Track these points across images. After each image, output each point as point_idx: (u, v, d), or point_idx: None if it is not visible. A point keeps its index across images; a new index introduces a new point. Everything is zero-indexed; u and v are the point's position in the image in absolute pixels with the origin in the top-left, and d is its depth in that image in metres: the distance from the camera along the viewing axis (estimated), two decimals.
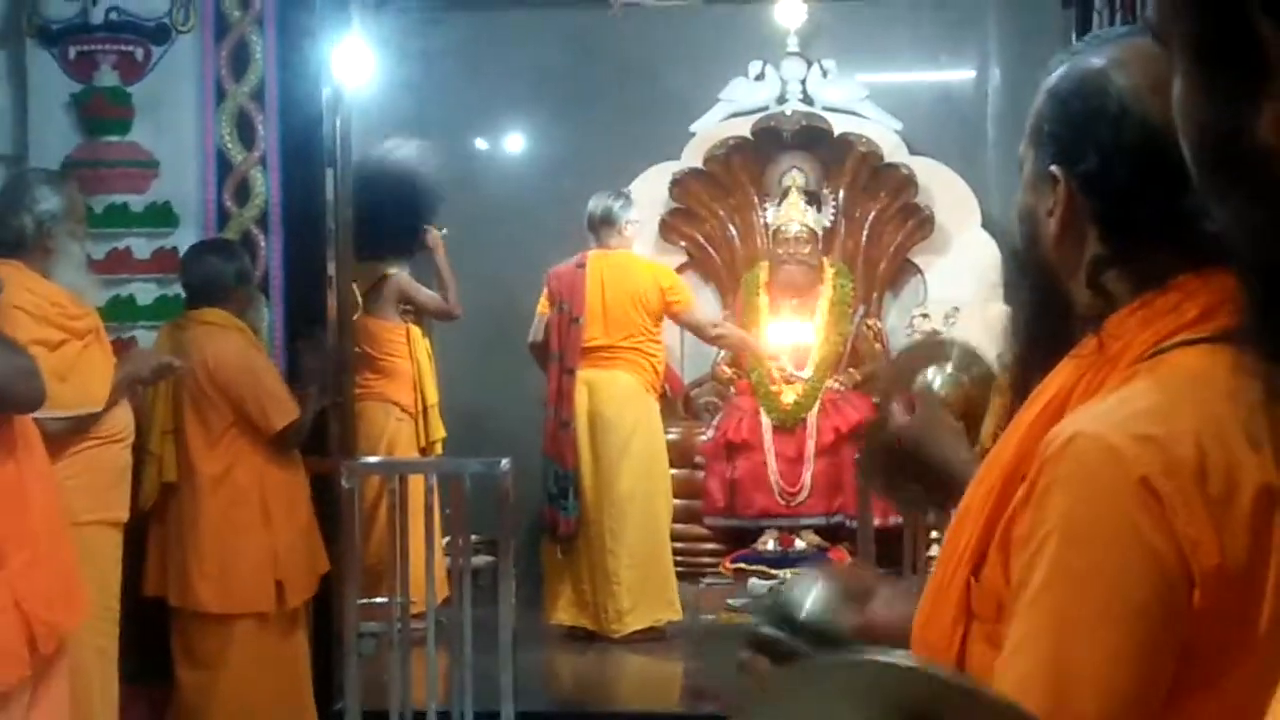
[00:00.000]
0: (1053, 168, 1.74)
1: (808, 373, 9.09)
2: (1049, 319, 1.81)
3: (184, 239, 6.61)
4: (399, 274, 8.74)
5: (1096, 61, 1.75)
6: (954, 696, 0.98)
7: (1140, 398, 1.59)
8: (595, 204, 8.38)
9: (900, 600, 1.90)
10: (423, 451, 8.63)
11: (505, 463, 6.43)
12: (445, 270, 8.73)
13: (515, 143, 11.01)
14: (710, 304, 9.74)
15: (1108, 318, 1.70)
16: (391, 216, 8.46)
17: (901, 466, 2.48)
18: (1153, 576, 1.51)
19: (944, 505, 2.50)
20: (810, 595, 1.84)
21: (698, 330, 8.76)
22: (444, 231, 8.90)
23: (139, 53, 6.71)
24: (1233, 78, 0.88)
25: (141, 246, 6.69)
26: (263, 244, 6.67)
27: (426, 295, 8.77)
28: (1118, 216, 1.70)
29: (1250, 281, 0.93)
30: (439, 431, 8.82)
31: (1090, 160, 1.71)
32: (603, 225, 8.34)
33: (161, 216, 6.69)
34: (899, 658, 1.04)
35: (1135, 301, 1.69)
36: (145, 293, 6.68)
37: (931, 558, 6.85)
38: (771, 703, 1.08)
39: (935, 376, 2.60)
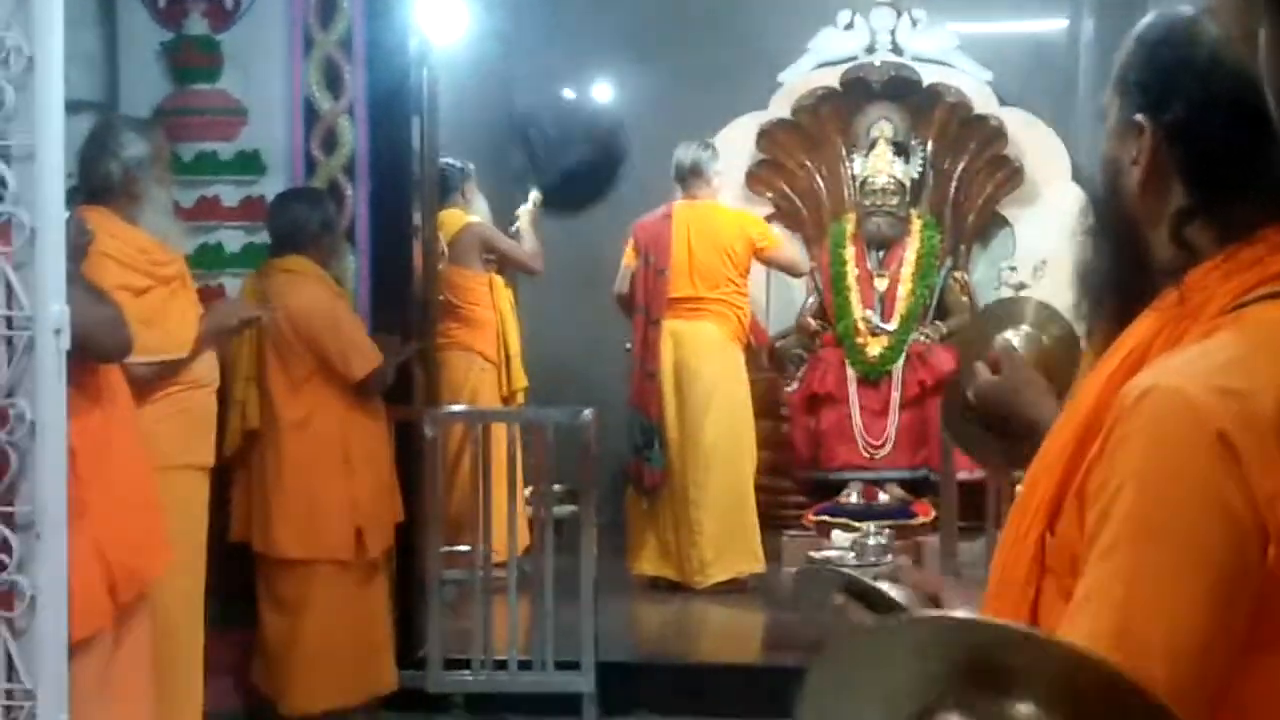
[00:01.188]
0: (1138, 116, 1.70)
1: (893, 325, 9.03)
2: (1129, 270, 1.78)
3: (271, 187, 6.63)
4: (481, 222, 8.76)
5: (1186, 10, 1.71)
6: (1010, 642, 0.97)
7: (1220, 351, 1.56)
8: (682, 154, 8.37)
9: (969, 600, 1.87)
10: (505, 401, 8.66)
11: (588, 413, 6.45)
12: (530, 228, 8.76)
13: (602, 93, 10.97)
14: (796, 255, 9.70)
15: (1189, 270, 1.66)
16: (588, 163, 8.50)
17: (987, 425, 2.46)
18: (1227, 532, 1.48)
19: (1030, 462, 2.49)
20: (891, 586, 1.82)
21: (790, 266, 8.78)
22: (536, 197, 8.90)
23: (228, 1, 6.73)
24: None
25: (230, 194, 6.72)
26: (349, 193, 6.68)
27: (509, 245, 8.78)
28: (1204, 168, 1.67)
29: None
30: (521, 381, 8.85)
31: (1177, 110, 1.67)
32: (690, 176, 8.33)
33: (250, 164, 6.71)
34: (954, 613, 1.03)
35: (1219, 254, 1.65)
36: (233, 240, 6.71)
37: None
38: (836, 660, 1.07)
39: (1014, 336, 2.57)
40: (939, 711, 0.98)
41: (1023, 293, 8.76)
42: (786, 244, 8.60)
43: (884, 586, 1.81)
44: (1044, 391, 2.42)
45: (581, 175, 8.28)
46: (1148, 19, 1.76)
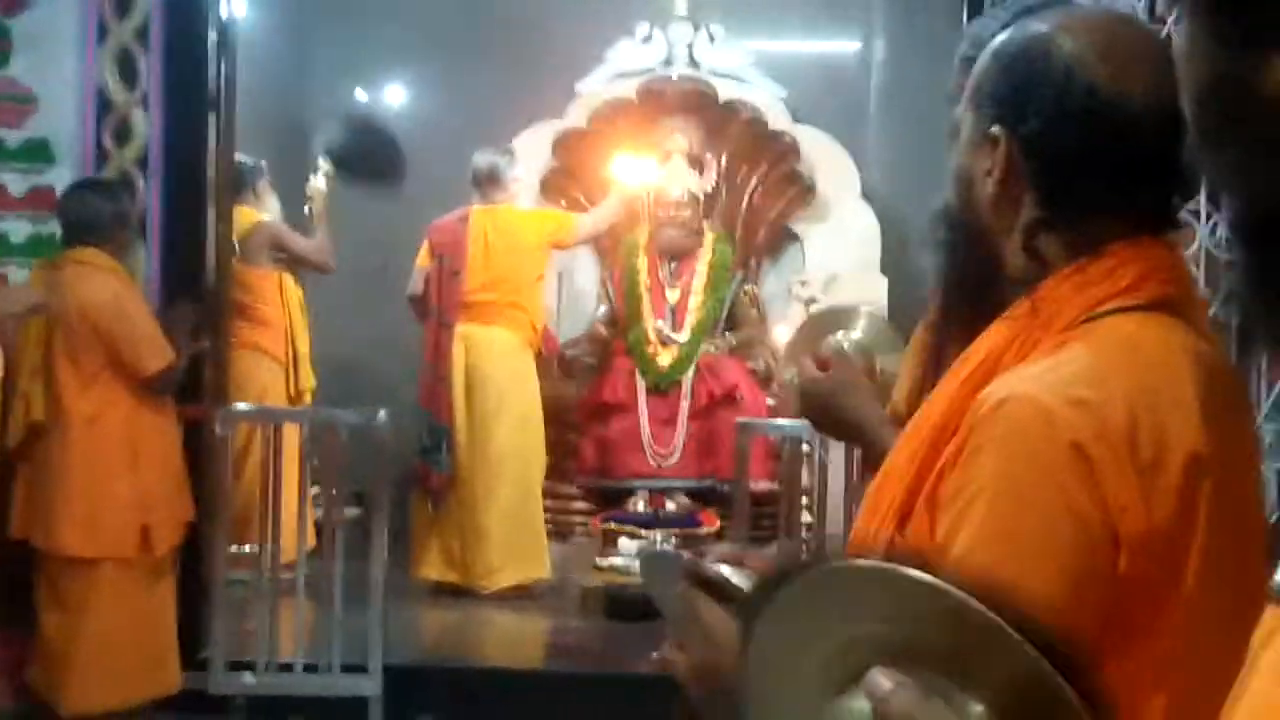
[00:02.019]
0: (994, 129, 1.74)
1: (684, 336, 9.09)
2: (976, 280, 1.81)
3: (61, 177, 6.48)
4: (272, 220, 8.64)
5: (1042, 26, 1.75)
6: (978, 625, 0.97)
7: (1074, 362, 1.60)
8: (481, 159, 8.34)
9: None
10: (291, 401, 8.55)
11: (383, 414, 6.41)
12: (321, 223, 8.64)
13: (397, 94, 10.91)
14: (589, 264, 9.73)
15: (1040, 281, 1.70)
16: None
17: (813, 422, 2.50)
18: (1079, 539, 1.52)
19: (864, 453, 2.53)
20: (735, 573, 1.80)
21: (594, 235, 8.81)
22: (325, 169, 8.73)
23: None
24: (1245, 29, 0.88)
25: (16, 183, 6.55)
26: (141, 186, 6.55)
27: (300, 243, 8.66)
28: (1057, 181, 1.71)
29: (1239, 234, 0.93)
30: (309, 381, 8.76)
31: (1033, 123, 1.71)
32: (488, 181, 8.31)
33: (38, 153, 6.55)
34: (936, 578, 1.03)
35: (1069, 267, 1.69)
36: (18, 230, 6.54)
37: (806, 524, 6.91)
38: (786, 602, 1.06)
39: (844, 340, 2.61)
40: (874, 669, 0.98)
41: (813, 307, 8.91)
42: (577, 221, 8.60)
43: (728, 573, 1.80)
44: (869, 394, 2.46)
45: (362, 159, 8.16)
46: (1004, 35, 1.80)
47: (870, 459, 2.46)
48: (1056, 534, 1.52)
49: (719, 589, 1.71)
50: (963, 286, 1.85)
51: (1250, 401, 1.88)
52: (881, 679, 0.97)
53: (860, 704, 0.99)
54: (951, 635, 0.98)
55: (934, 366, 2.41)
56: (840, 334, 2.64)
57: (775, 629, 1.07)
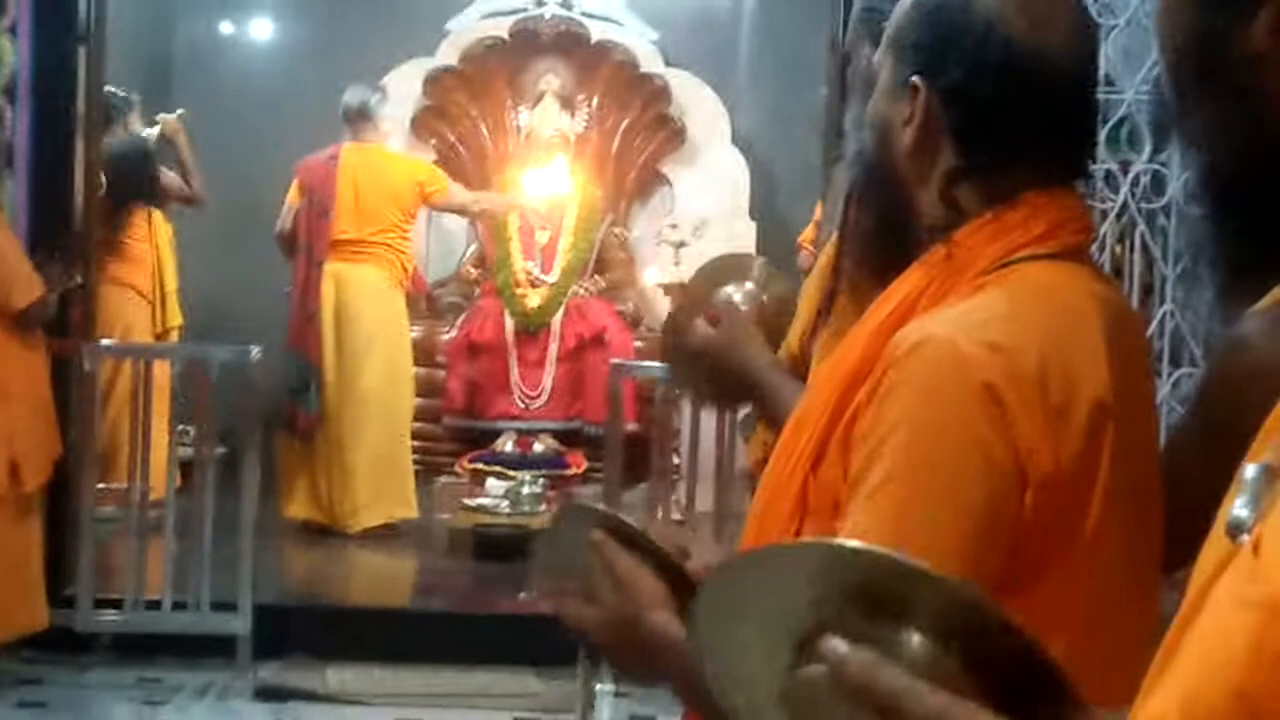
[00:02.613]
0: (914, 78, 1.78)
1: (553, 277, 9.10)
2: (891, 226, 1.86)
3: None
4: None
5: None
6: (902, 574, 1.01)
7: (988, 307, 1.65)
8: (351, 96, 8.28)
9: (712, 550, 1.92)
10: (158, 338, 8.47)
11: (255, 351, 6.38)
12: (186, 155, 8.54)
13: (263, 29, 10.79)
14: None
15: (955, 229, 1.75)
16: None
17: (706, 374, 2.53)
18: (989, 477, 1.57)
19: (743, 403, 2.58)
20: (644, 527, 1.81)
21: (462, 210, 8.76)
22: (180, 112, 8.66)
23: None
24: None
25: None
26: (9, 116, 6.43)
27: (169, 178, 8.57)
28: (975, 131, 1.75)
29: (1210, 185, 0.97)
30: (176, 319, 8.69)
31: (952, 74, 1.74)
32: (358, 118, 8.25)
33: None
34: (845, 543, 1.07)
35: (985, 214, 1.74)
36: None
37: (676, 465, 6.97)
38: (723, 585, 1.10)
39: (736, 292, 2.64)
40: (825, 635, 1.02)
41: (683, 250, 8.96)
42: (453, 189, 8.55)
43: (639, 528, 1.81)
44: (760, 345, 2.50)
45: None
46: None
47: (764, 407, 2.51)
48: (967, 471, 1.57)
49: (632, 540, 1.73)
50: (876, 232, 1.90)
51: (1150, 349, 1.95)
52: (835, 644, 1.00)
53: (818, 670, 1.03)
54: (878, 587, 1.02)
55: (827, 310, 2.46)
56: (733, 285, 2.67)
57: (718, 623, 1.11)
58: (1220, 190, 0.96)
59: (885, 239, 1.86)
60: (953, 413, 1.59)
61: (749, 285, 2.69)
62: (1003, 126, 1.73)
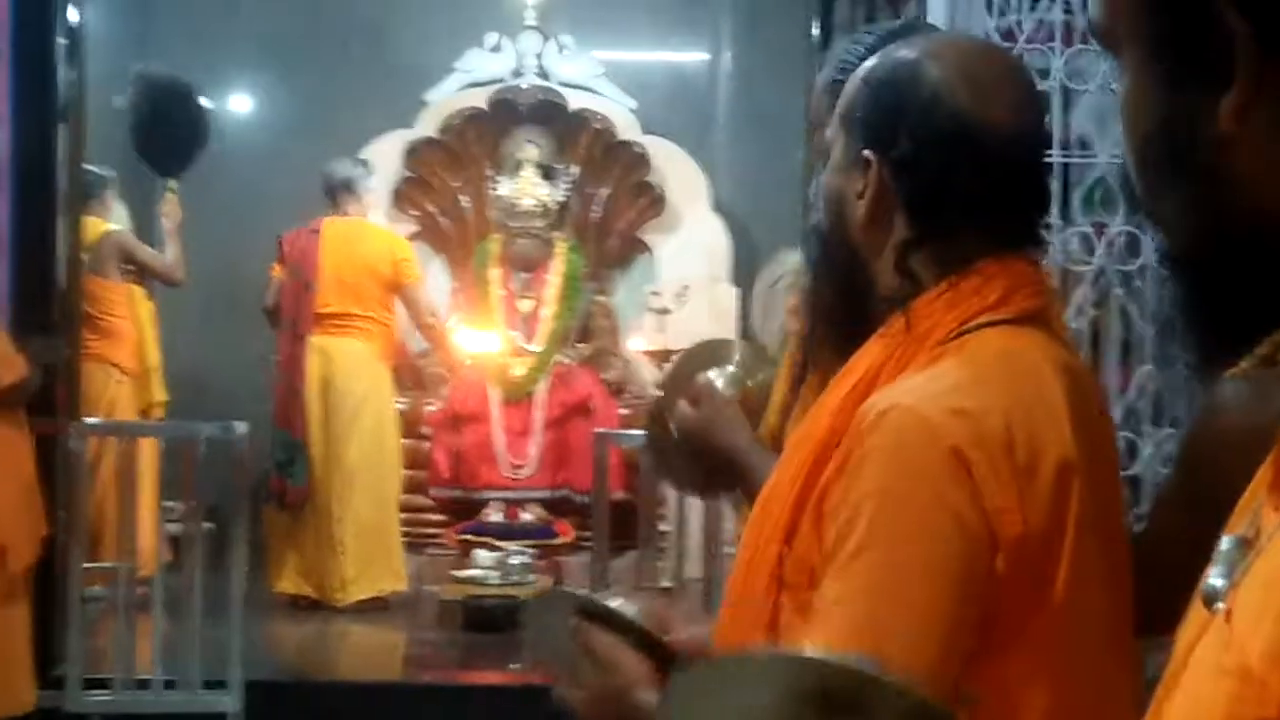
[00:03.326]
0: (865, 152, 1.81)
1: (537, 346, 9.12)
2: (849, 299, 1.88)
3: None
4: (120, 231, 8.54)
5: (909, 53, 1.82)
6: (860, 684, 1.03)
7: (950, 374, 1.68)
8: (335, 170, 8.33)
9: (696, 620, 1.94)
10: (143, 414, 8.47)
11: (241, 427, 6.38)
12: (173, 237, 8.55)
13: (244, 103, 10.84)
14: (441, 276, 9.71)
15: (912, 299, 1.77)
16: (171, 132, 8.23)
17: (687, 457, 2.54)
18: (960, 543, 1.59)
19: (730, 489, 2.58)
20: (624, 605, 1.84)
21: (415, 311, 8.60)
22: (171, 184, 8.65)
23: None
24: (1191, 68, 0.92)
25: None
26: None
27: (149, 254, 8.58)
28: (926, 201, 1.78)
29: (1179, 270, 0.98)
30: (160, 394, 8.69)
31: (902, 147, 1.78)
32: (341, 191, 8.29)
33: None
34: (806, 651, 1.09)
35: (941, 284, 1.77)
36: None
37: (664, 532, 6.97)
38: (685, 695, 1.12)
39: (718, 377, 2.66)
40: None
41: (666, 317, 8.99)
42: (423, 286, 8.57)
43: (617, 606, 1.84)
44: (740, 424, 2.51)
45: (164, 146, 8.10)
46: (872, 61, 1.87)
47: (747, 485, 2.52)
48: (939, 537, 1.59)
49: (609, 621, 1.76)
50: (835, 305, 1.93)
51: (1108, 409, 1.97)
52: None
53: None
54: (838, 695, 1.04)
55: (797, 385, 2.48)
56: (714, 370, 2.68)
57: None
58: (1190, 272, 0.98)
59: (845, 312, 1.89)
60: (921, 480, 1.61)
61: (730, 369, 2.71)
62: (952, 196, 1.76)
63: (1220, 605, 0.94)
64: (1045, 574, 1.64)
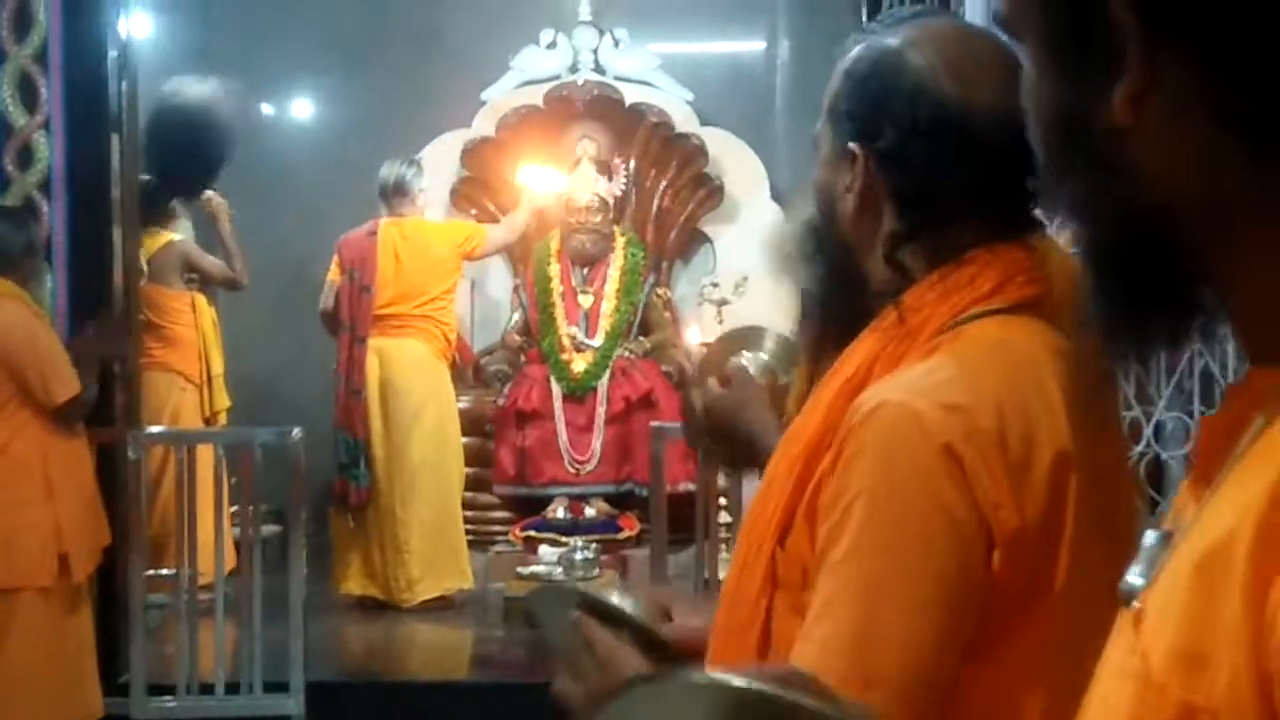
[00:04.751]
0: (851, 145, 1.78)
1: (598, 341, 9.11)
2: (846, 294, 1.85)
3: None
4: (183, 240, 8.60)
5: (892, 41, 1.79)
6: (786, 708, 1.01)
7: (943, 368, 1.64)
8: (387, 171, 8.34)
9: (698, 611, 1.93)
10: (207, 421, 8.52)
11: (296, 432, 6.41)
12: (229, 239, 8.57)
13: (303, 108, 10.90)
14: (501, 272, 9.73)
15: (905, 292, 1.74)
16: (181, 155, 8.26)
17: (714, 435, 2.53)
18: (954, 540, 1.56)
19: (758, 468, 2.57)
20: (624, 599, 1.85)
21: (505, 245, 8.82)
22: (210, 195, 8.64)
23: None
24: (1085, 59, 0.91)
25: None
26: (45, 210, 6.50)
27: (211, 263, 8.63)
28: (913, 192, 1.75)
29: (1088, 259, 0.97)
30: (224, 401, 8.73)
31: (888, 137, 1.75)
32: (395, 193, 8.30)
33: None
34: (735, 676, 1.06)
35: (932, 275, 1.73)
36: None
37: (723, 524, 6.94)
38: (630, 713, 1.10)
39: (750, 362, 2.65)
40: None
41: (725, 308, 8.96)
42: (488, 234, 8.63)
43: (617, 600, 1.85)
44: (766, 410, 2.50)
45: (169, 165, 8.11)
46: (854, 52, 1.84)
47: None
48: (932, 535, 1.56)
49: (610, 615, 1.76)
50: (831, 300, 1.89)
51: (1117, 395, 1.93)
52: None
53: None
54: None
55: (815, 377, 2.46)
56: (746, 354, 2.67)
57: None
58: (1097, 261, 0.96)
59: (841, 306, 1.86)
60: (914, 477, 1.58)
61: (763, 356, 2.70)
62: (940, 187, 1.73)
63: (1136, 604, 0.92)
64: (1044, 569, 1.60)
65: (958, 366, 1.64)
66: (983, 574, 1.57)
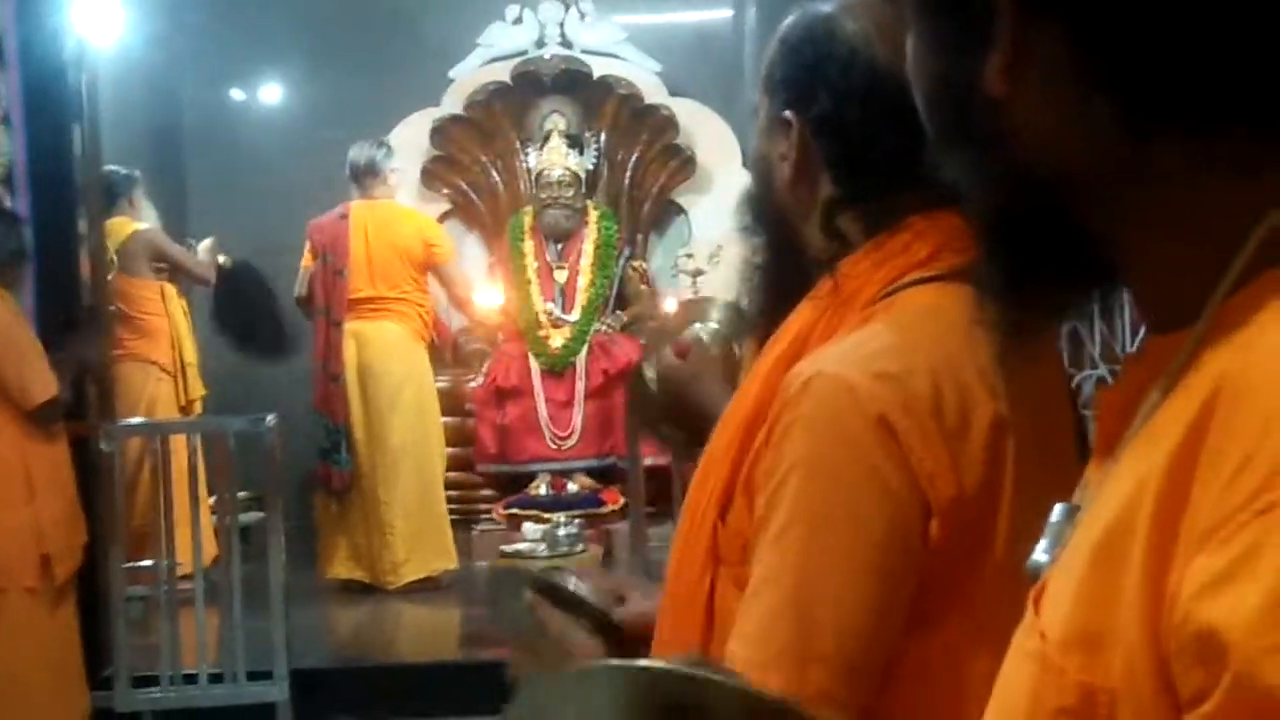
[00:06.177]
0: (786, 113, 1.76)
1: (575, 316, 9.09)
2: (784, 263, 1.83)
3: None
4: (149, 229, 8.55)
5: (825, 8, 1.77)
6: (704, 689, 0.99)
7: (877, 337, 1.62)
8: (357, 153, 8.30)
9: (651, 595, 1.92)
10: (183, 410, 8.50)
11: (271, 419, 6.38)
12: (181, 257, 8.58)
13: (271, 93, 10.87)
14: (476, 251, 9.70)
15: (842, 260, 1.72)
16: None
17: (666, 411, 2.51)
18: (890, 512, 1.54)
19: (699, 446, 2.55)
20: (578, 584, 1.87)
21: (451, 289, 8.68)
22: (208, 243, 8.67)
23: None
24: (960, 30, 0.90)
25: None
26: (8, 204, 6.46)
27: (179, 252, 8.59)
28: (849, 159, 1.73)
29: (979, 228, 0.95)
30: (199, 390, 8.71)
31: (822, 104, 1.72)
32: (366, 175, 8.27)
33: None
34: (651, 661, 1.05)
35: (868, 243, 1.71)
36: None
37: None
38: (528, 710, 1.09)
39: (702, 331, 2.63)
40: None
41: (700, 279, 8.94)
42: (455, 261, 8.60)
43: (570, 583, 1.85)
44: (720, 383, 2.48)
45: None
46: (789, 19, 1.82)
47: None
48: (868, 507, 1.54)
49: (564, 598, 1.78)
50: (772, 272, 1.87)
51: (1059, 356, 1.90)
52: None
53: None
54: (680, 703, 1.00)
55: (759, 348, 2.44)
56: (698, 325, 2.65)
57: None
58: (984, 232, 0.95)
59: (780, 275, 1.84)
60: (847, 449, 1.56)
61: (714, 326, 2.68)
62: (875, 153, 1.70)
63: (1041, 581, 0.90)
64: (983, 536, 1.58)
65: (892, 334, 1.62)
66: (920, 544, 1.55)
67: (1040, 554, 0.93)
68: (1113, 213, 0.88)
